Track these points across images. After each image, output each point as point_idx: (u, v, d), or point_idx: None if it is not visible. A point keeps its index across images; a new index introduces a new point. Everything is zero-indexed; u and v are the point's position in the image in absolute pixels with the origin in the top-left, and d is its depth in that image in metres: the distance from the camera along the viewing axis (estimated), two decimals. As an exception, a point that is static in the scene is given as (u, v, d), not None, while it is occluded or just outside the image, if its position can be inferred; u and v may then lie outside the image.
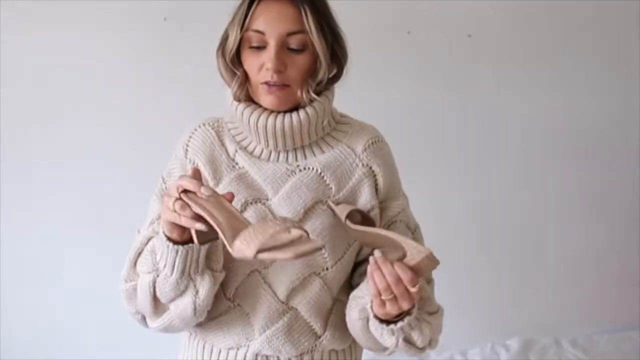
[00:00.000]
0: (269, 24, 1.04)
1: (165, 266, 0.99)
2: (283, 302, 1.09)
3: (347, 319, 1.10)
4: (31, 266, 2.20)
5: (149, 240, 1.07)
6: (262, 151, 1.12)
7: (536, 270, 2.52)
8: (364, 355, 1.24)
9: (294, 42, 1.05)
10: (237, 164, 1.12)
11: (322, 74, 1.08)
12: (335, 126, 1.16)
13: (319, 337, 1.12)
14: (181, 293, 1.02)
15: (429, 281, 1.19)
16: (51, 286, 2.21)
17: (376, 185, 1.14)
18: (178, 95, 2.16)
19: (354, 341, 1.15)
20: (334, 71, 1.12)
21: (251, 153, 1.12)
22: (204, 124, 1.16)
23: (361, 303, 1.06)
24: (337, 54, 1.10)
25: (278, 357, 1.10)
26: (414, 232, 1.22)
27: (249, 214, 1.08)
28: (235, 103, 1.10)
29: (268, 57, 1.04)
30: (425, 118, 2.38)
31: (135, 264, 1.07)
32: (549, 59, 2.42)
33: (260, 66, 1.05)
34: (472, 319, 2.47)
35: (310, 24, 1.04)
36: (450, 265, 2.43)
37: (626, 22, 2.44)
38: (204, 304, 1.03)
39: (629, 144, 2.54)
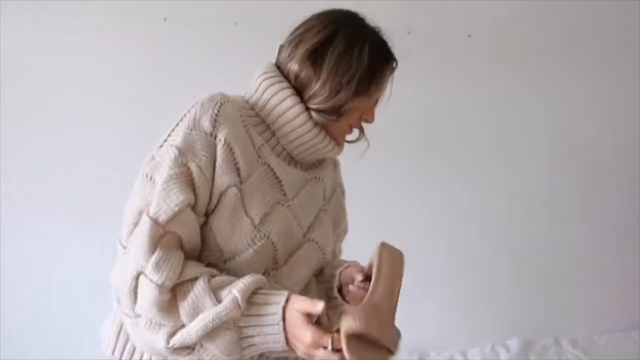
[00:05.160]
0: (384, 91, 1.18)
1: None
2: None
3: None
4: (31, 266, 2.20)
5: (198, 279, 0.96)
6: (281, 151, 1.12)
7: (536, 270, 2.52)
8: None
9: None
10: (259, 157, 1.09)
11: None
12: None
13: None
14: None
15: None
16: (51, 286, 2.21)
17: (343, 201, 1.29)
18: (178, 95, 2.14)
19: None
20: None
21: (272, 149, 1.11)
22: (228, 100, 1.07)
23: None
24: None
25: (286, 357, 1.11)
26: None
27: (275, 216, 1.07)
28: (303, 118, 1.09)
29: (371, 111, 1.15)
30: (425, 118, 2.37)
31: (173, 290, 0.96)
32: (548, 59, 2.42)
33: (362, 113, 1.13)
34: (472, 319, 2.47)
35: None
36: (451, 265, 2.44)
37: (626, 22, 2.44)
38: None
39: (629, 143, 2.53)
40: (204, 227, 1.04)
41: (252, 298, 0.93)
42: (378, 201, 2.34)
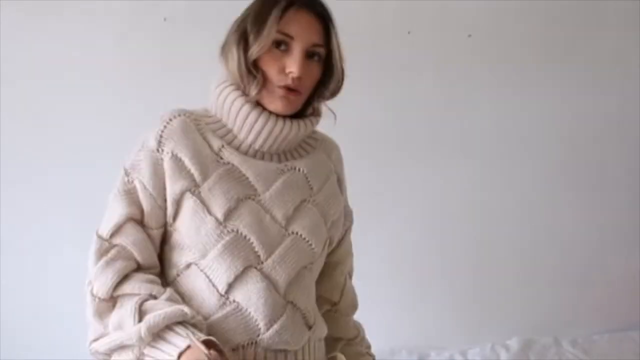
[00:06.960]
0: (300, 30, 1.09)
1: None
2: (283, 296, 1.11)
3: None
4: (31, 266, 2.20)
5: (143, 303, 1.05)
6: (248, 148, 1.15)
7: (536, 270, 2.52)
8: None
9: (316, 52, 1.11)
10: (221, 159, 1.13)
11: (334, 85, 1.16)
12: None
13: (311, 327, 1.17)
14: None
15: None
16: (51, 286, 2.21)
17: (341, 189, 1.29)
18: (178, 96, 2.15)
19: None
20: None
21: (237, 149, 1.15)
22: (179, 115, 1.15)
23: None
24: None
25: (285, 350, 1.12)
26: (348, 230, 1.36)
27: (243, 211, 1.10)
28: (240, 102, 1.13)
29: (293, 62, 1.09)
30: (425, 118, 2.37)
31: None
32: (549, 59, 2.42)
33: (281, 69, 1.09)
34: (472, 319, 2.47)
35: (334, 41, 1.12)
36: (451, 265, 2.44)
37: (626, 22, 2.44)
38: None
39: (629, 144, 2.53)
40: (174, 232, 1.11)
41: (162, 332, 1.00)
42: (376, 200, 2.34)
